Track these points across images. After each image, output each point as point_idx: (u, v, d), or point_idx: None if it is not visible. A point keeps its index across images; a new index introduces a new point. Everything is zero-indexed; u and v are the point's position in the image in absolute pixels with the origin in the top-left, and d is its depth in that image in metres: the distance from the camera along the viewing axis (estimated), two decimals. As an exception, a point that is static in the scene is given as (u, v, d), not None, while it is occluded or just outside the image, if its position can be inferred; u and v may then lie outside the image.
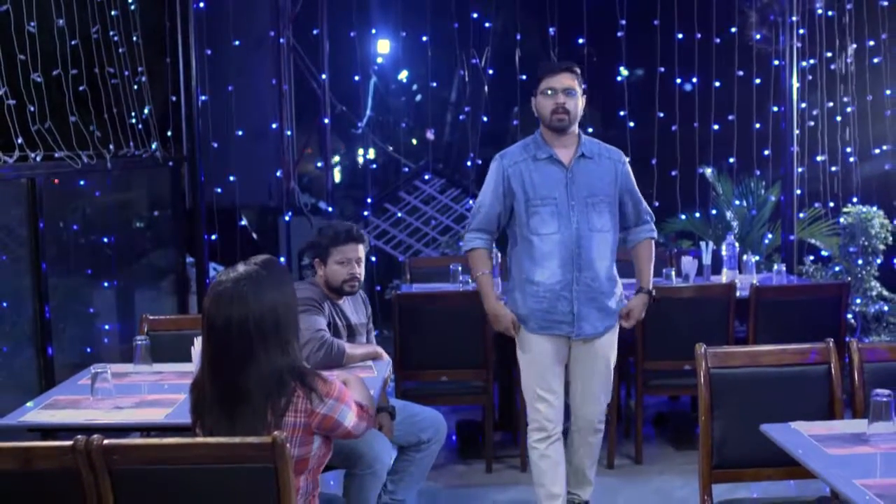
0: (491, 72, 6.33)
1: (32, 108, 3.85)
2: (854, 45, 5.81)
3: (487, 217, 3.29)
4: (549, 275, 3.20)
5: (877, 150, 5.89)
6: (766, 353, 2.80)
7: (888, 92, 5.80)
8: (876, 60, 5.81)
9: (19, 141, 3.75)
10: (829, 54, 5.86)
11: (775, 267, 4.90)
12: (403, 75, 6.92)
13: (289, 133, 6.07)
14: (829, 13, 5.83)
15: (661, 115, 6.19)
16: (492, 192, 3.27)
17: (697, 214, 6.34)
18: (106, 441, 2.01)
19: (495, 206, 3.27)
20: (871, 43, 5.80)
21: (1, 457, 2.04)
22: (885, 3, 5.73)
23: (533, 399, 3.31)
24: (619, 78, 6.23)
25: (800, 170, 5.81)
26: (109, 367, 2.74)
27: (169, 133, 5.44)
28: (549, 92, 3.19)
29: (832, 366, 2.75)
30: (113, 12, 4.69)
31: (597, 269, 3.21)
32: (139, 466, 2.03)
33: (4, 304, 4.11)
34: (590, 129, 6.17)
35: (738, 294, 4.21)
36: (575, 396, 3.35)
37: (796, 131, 5.73)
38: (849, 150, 5.90)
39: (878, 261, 5.42)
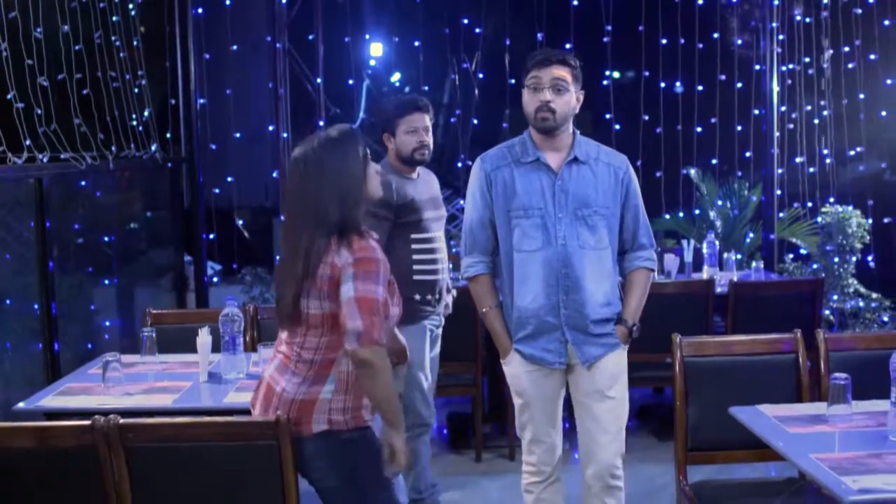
0: (481, 76, 6.50)
1: (39, 111, 4.01)
2: (830, 51, 6.00)
3: (481, 233, 2.84)
4: (531, 298, 2.76)
5: (852, 152, 6.09)
6: (737, 343, 2.99)
7: (862, 96, 6.00)
8: (850, 65, 6.01)
9: (27, 143, 3.91)
10: (808, 59, 6.06)
11: (753, 264, 5.08)
12: (396, 77, 7.08)
13: (285, 135, 6.21)
14: (807, 20, 6.02)
15: (646, 117, 6.37)
16: (479, 203, 2.83)
17: (681, 214, 6.53)
18: (122, 420, 2.18)
19: (486, 215, 2.83)
20: (846, 49, 6.00)
21: (26, 435, 2.21)
22: (859, 11, 5.93)
23: (524, 440, 2.91)
24: (604, 82, 6.41)
25: (780, 171, 6.00)
26: (119, 357, 2.88)
27: (168, 135, 5.59)
28: (535, 86, 2.75)
29: (799, 354, 2.94)
30: (114, 17, 4.84)
31: (587, 293, 2.76)
32: (152, 444, 2.20)
33: (9, 301, 4.25)
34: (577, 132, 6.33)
35: (717, 290, 4.40)
36: (582, 436, 2.89)
37: (776, 134, 5.92)
38: (826, 151, 6.10)
39: (854, 259, 5.62)
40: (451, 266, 3.75)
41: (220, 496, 2.24)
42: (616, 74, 6.47)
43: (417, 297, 3.28)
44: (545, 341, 2.79)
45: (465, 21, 6.41)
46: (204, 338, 2.99)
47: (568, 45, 6.35)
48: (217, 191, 6.15)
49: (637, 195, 2.88)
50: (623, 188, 2.83)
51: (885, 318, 5.52)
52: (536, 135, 2.82)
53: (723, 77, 6.39)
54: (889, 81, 5.93)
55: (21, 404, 2.80)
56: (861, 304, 5.59)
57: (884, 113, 5.98)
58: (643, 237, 2.89)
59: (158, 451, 2.20)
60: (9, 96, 3.81)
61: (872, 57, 5.95)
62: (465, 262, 2.89)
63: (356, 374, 2.22)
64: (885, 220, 5.98)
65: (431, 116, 3.39)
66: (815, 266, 5.80)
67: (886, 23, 5.88)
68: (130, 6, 5.06)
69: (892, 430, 2.27)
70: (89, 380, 3.01)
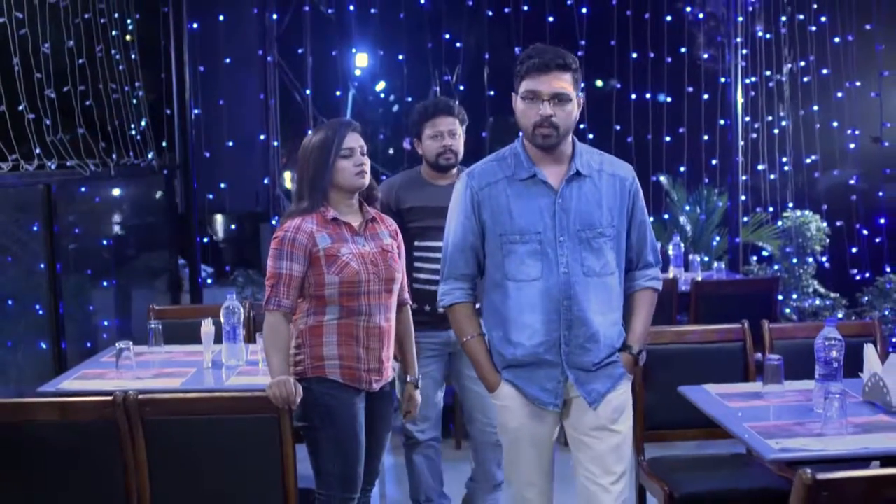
0: (462, 88, 6.80)
1: (48, 122, 4.28)
2: (789, 65, 6.37)
3: (461, 257, 2.48)
4: (528, 334, 2.40)
5: (808, 160, 6.45)
6: (690, 332, 3.31)
7: (816, 107, 6.35)
8: (806, 79, 6.36)
9: (37, 151, 4.18)
10: (768, 73, 6.42)
11: (716, 265, 5.42)
12: (381, 86, 7.37)
13: (275, 143, 6.50)
14: (768, 36, 6.38)
15: (618, 127, 6.68)
16: (462, 224, 2.47)
17: (652, 219, 6.83)
18: (140, 395, 2.45)
19: (468, 239, 2.47)
20: (802, 63, 6.36)
21: (50, 410, 2.47)
22: (814, 29, 6.30)
23: (506, 492, 2.62)
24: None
25: (744, 178, 6.35)
26: (131, 345, 3.15)
27: (164, 143, 5.87)
28: (531, 97, 2.39)
29: (746, 342, 3.26)
30: (114, 32, 5.12)
31: (594, 326, 2.41)
32: (168, 417, 2.47)
33: (14, 302, 4.49)
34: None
35: (680, 288, 4.72)
36: (581, 480, 2.52)
37: (741, 143, 6.27)
38: (785, 159, 6.45)
39: (810, 259, 5.98)
40: None
41: (226, 464, 2.49)
42: (603, 83, 6.80)
43: (414, 305, 3.06)
44: (541, 379, 2.43)
45: (447, 36, 6.70)
46: (207, 327, 3.27)
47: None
48: (210, 196, 6.41)
49: (644, 210, 2.57)
50: (630, 201, 2.50)
51: (840, 316, 5.87)
52: (531, 147, 2.47)
53: (690, 89, 6.71)
54: (840, 94, 6.29)
55: (42, 387, 3.05)
56: (818, 302, 5.94)
57: (835, 123, 6.32)
58: (649, 255, 2.57)
59: (173, 423, 2.46)
60: (20, 108, 4.09)
61: (825, 72, 6.30)
62: (441, 289, 2.53)
63: (310, 331, 2.63)
64: (838, 223, 6.32)
65: (463, 118, 3.19)
66: (776, 267, 6.15)
67: (836, 40, 6.25)
68: (128, 21, 5.34)
69: (816, 402, 2.59)
70: (103, 367, 3.28)
